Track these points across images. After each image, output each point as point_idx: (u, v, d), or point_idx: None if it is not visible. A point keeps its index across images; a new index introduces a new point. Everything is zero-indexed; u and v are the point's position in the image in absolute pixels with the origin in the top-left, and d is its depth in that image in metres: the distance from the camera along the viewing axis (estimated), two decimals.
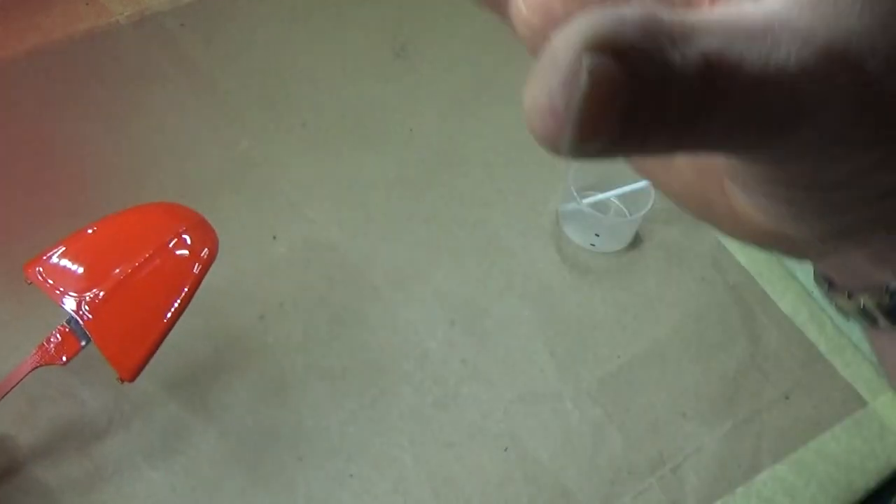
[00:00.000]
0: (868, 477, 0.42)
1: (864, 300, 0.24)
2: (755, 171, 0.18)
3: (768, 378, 0.44)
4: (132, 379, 0.33)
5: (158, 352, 0.41)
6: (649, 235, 0.49)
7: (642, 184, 0.47)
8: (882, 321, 0.24)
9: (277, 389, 0.41)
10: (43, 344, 0.33)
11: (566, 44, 0.13)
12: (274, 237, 0.45)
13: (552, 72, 0.13)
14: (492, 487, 0.39)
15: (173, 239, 0.34)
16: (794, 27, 0.14)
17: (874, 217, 0.20)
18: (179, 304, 0.33)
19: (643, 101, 0.12)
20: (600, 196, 0.47)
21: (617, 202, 0.50)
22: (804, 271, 0.49)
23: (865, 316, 0.25)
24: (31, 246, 0.42)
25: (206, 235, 0.35)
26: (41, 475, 0.37)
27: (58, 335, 0.33)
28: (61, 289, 0.33)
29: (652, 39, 0.13)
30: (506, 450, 0.40)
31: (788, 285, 0.48)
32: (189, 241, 0.34)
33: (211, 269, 0.44)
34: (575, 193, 0.46)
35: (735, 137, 0.14)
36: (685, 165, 0.21)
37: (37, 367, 0.33)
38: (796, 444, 0.43)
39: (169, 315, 0.33)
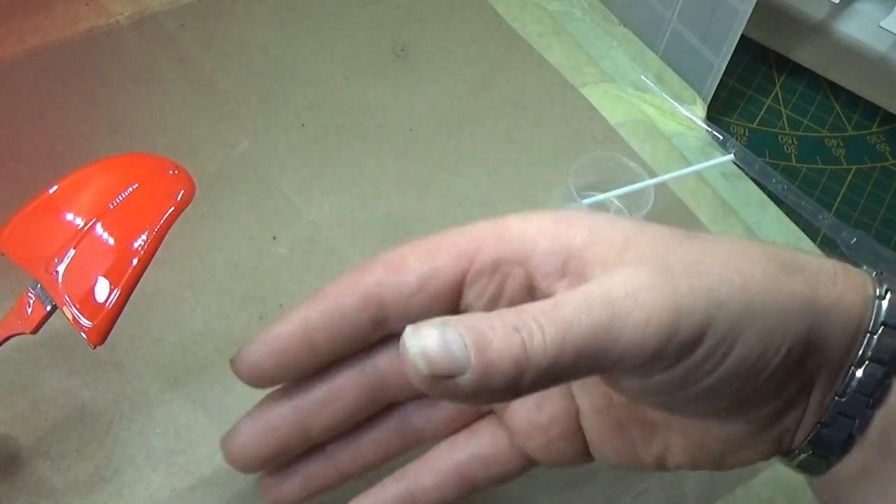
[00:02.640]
0: None
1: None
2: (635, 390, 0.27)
3: None
4: (101, 342, 0.31)
5: (158, 352, 0.41)
6: None
7: (642, 184, 0.47)
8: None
9: None
10: (10, 314, 0.32)
11: None
12: (274, 237, 0.45)
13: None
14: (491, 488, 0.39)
15: (135, 187, 0.32)
16: None
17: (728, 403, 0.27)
18: (144, 256, 0.32)
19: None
20: (600, 196, 0.47)
21: (617, 202, 0.50)
22: None
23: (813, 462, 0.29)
24: None
25: (180, 178, 0.33)
26: (41, 475, 0.37)
27: (26, 303, 0.32)
28: (26, 254, 0.32)
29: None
30: None
31: None
32: (158, 188, 0.32)
33: (211, 270, 0.44)
34: (575, 193, 0.46)
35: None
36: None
37: (7, 338, 0.32)
38: None
39: (134, 268, 0.31)
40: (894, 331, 0.26)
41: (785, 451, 0.29)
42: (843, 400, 0.27)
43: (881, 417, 0.27)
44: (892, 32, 0.54)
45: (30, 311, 0.32)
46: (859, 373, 0.27)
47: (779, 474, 0.42)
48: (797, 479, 0.42)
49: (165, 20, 0.53)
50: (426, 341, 0.23)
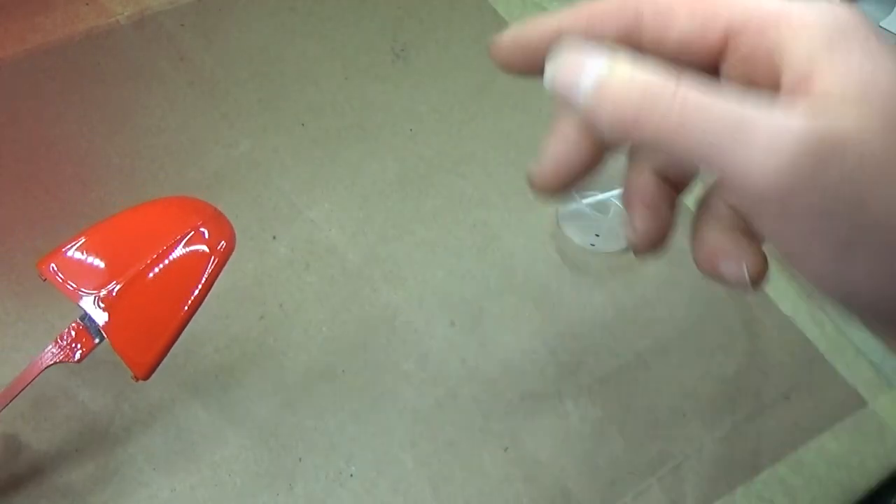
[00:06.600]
0: (868, 477, 0.42)
1: None
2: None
3: (768, 378, 0.44)
4: (147, 377, 0.32)
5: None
6: None
7: None
8: None
9: (277, 390, 0.41)
10: (57, 341, 0.33)
11: None
12: (274, 237, 0.46)
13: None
14: (492, 487, 0.39)
15: (189, 233, 0.33)
16: None
17: None
18: (195, 300, 0.33)
19: None
20: (600, 196, 0.47)
21: (617, 202, 0.50)
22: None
23: None
24: (31, 247, 0.42)
25: (222, 228, 0.34)
26: (41, 476, 0.37)
27: (72, 332, 0.33)
28: (75, 285, 0.32)
29: None
30: (506, 450, 0.40)
31: (788, 285, 0.48)
32: (205, 235, 0.33)
33: None
34: (575, 193, 0.46)
35: None
36: None
37: (51, 365, 0.33)
38: (796, 444, 0.43)
39: (185, 311, 0.32)
40: None
41: None
42: None
43: None
44: (892, 32, 0.54)
45: (77, 342, 0.33)
46: None
47: (778, 474, 0.42)
48: (797, 479, 0.42)
49: (165, 20, 0.53)
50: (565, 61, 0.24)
